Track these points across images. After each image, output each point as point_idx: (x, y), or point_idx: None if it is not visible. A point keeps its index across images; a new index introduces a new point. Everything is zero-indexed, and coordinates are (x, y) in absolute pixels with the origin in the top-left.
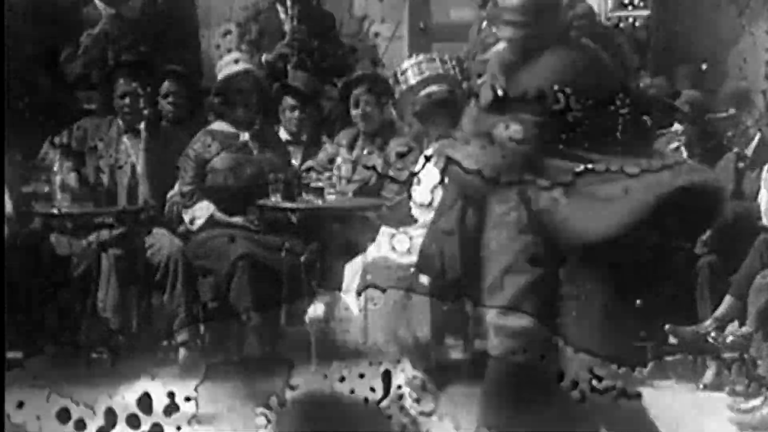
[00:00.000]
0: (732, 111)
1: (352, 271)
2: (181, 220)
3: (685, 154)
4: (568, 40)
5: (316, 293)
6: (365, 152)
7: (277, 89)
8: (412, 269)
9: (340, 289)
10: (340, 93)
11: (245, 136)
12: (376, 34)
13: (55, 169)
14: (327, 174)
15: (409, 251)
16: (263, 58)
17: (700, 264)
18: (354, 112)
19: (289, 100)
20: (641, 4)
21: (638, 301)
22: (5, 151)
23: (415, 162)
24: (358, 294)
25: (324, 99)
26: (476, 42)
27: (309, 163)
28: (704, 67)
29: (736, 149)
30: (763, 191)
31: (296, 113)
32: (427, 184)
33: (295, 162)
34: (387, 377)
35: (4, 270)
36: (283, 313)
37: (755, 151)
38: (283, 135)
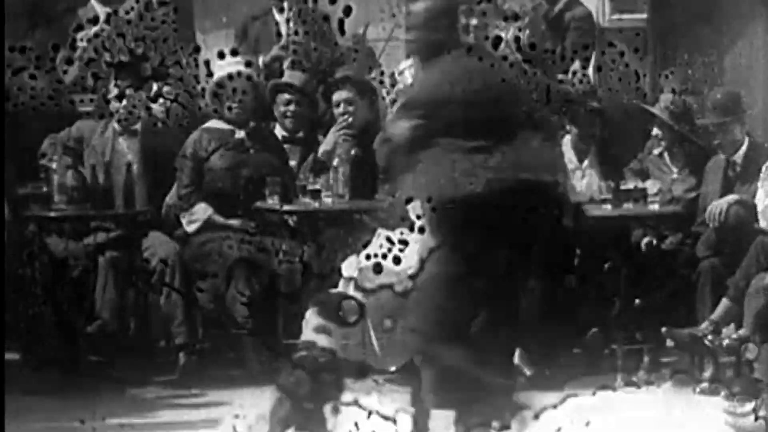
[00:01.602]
0: (724, 119)
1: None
2: (179, 223)
3: (667, 160)
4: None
5: (312, 297)
6: (352, 153)
7: (272, 86)
8: (409, 272)
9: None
10: (322, 95)
11: (240, 133)
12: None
13: (54, 166)
14: (324, 176)
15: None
16: (260, 60)
17: (701, 267)
18: (336, 111)
19: (284, 96)
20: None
21: (637, 301)
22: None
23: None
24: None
25: (319, 95)
26: None
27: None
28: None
29: (723, 156)
30: (760, 192)
31: (291, 107)
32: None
33: (293, 163)
34: None
35: (4, 271)
36: (280, 319)
37: (745, 157)
38: (280, 133)
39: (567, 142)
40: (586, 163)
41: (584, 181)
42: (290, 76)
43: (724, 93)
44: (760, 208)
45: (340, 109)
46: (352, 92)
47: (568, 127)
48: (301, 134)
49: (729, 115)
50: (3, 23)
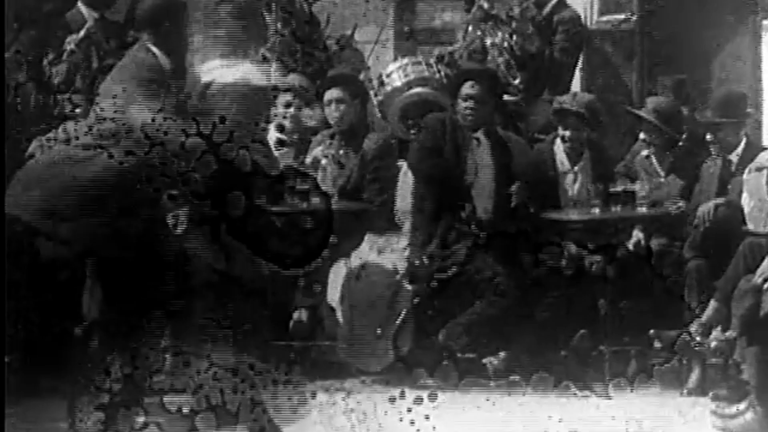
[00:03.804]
0: (725, 119)
1: (335, 277)
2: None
3: (655, 163)
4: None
5: (300, 298)
6: (341, 152)
7: (273, 87)
8: (398, 276)
9: (324, 295)
10: (314, 94)
11: None
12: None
13: None
14: (311, 177)
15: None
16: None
17: (687, 268)
18: (327, 111)
19: (285, 97)
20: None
21: (623, 303)
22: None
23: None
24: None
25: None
26: (461, 46)
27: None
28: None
29: (714, 155)
30: (745, 194)
31: (291, 109)
32: (406, 190)
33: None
34: None
35: (5, 271)
36: (268, 321)
37: (741, 157)
38: (274, 136)
39: (559, 145)
40: (578, 167)
41: (576, 184)
42: (293, 79)
43: (729, 92)
44: (746, 210)
45: (332, 107)
46: (344, 92)
47: (559, 132)
48: (295, 137)
49: (730, 115)
50: (3, 24)
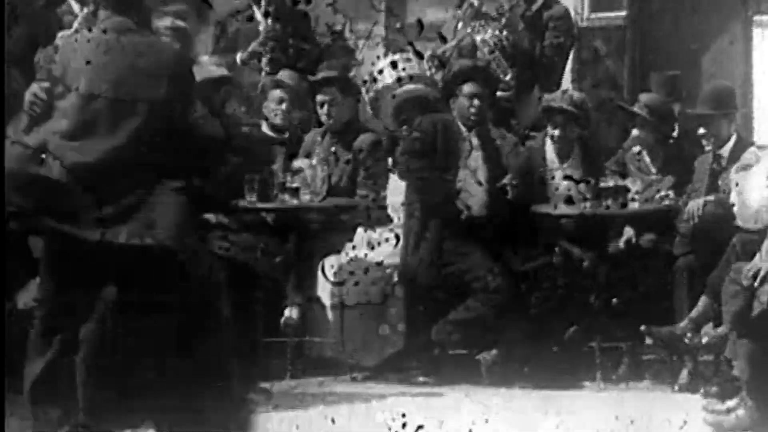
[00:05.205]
0: (714, 111)
1: (326, 273)
2: None
3: (647, 159)
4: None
5: (291, 295)
6: (332, 150)
7: (265, 82)
8: (388, 270)
9: (315, 290)
10: (306, 93)
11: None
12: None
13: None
14: (302, 174)
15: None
16: (238, 57)
17: (677, 264)
18: (320, 111)
19: (277, 93)
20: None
21: (614, 300)
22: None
23: (385, 159)
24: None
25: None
26: (452, 44)
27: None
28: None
29: (708, 149)
30: (733, 193)
31: (283, 105)
32: (398, 185)
33: (279, 162)
34: None
35: (5, 271)
36: (260, 318)
37: (731, 152)
38: (266, 132)
39: (549, 143)
40: (567, 164)
41: (564, 181)
42: (284, 76)
43: (718, 86)
44: (735, 208)
45: (324, 109)
46: (335, 92)
47: (549, 130)
48: (286, 135)
49: (720, 108)
50: (3, 24)
